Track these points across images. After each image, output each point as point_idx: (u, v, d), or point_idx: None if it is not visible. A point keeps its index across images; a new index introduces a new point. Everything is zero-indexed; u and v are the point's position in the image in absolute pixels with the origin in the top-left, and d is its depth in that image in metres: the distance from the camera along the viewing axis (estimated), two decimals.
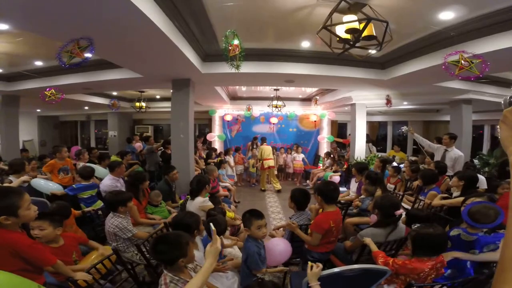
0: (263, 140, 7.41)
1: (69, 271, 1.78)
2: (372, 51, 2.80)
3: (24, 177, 3.31)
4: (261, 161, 6.95)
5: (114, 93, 8.11)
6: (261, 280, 1.42)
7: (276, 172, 7.86)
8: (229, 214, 3.32)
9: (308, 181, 7.48)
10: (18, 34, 3.32)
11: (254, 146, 7.81)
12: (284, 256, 2.35)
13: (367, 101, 7.04)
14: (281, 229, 3.01)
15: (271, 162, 6.93)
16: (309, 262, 1.53)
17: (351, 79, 4.81)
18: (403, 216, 2.55)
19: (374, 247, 2.03)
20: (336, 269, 1.53)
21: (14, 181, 3.28)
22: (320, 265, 1.53)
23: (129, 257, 2.47)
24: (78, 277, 1.73)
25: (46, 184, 3.58)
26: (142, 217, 3.10)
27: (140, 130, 10.87)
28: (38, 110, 10.55)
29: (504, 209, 2.40)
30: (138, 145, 7.02)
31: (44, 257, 1.66)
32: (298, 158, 7.88)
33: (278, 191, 6.82)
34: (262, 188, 7.01)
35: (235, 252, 2.55)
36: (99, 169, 4.58)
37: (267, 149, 6.99)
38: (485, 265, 1.83)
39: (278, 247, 2.32)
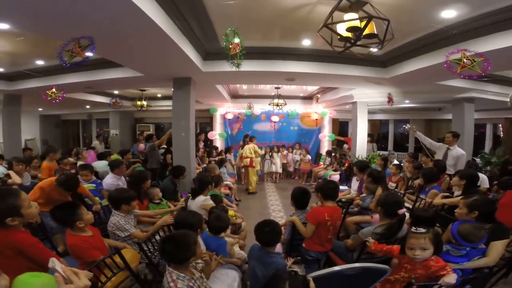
0: (247, 137, 7.08)
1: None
2: (374, 49, 2.79)
3: None
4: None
5: (116, 92, 8.13)
6: (295, 273, 1.39)
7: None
8: (230, 213, 3.32)
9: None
10: (19, 34, 3.32)
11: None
12: None
13: (368, 99, 7.01)
14: (282, 226, 3.02)
15: (247, 161, 6.68)
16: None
17: (352, 77, 4.79)
18: (407, 216, 2.52)
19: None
20: (336, 268, 1.53)
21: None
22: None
23: None
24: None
25: None
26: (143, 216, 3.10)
27: (141, 128, 10.88)
28: (40, 109, 10.58)
29: (504, 207, 2.40)
30: (141, 146, 7.00)
31: (47, 255, 1.67)
32: (306, 160, 7.94)
33: (250, 193, 6.49)
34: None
35: (238, 251, 2.56)
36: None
37: (246, 147, 6.79)
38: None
39: None
